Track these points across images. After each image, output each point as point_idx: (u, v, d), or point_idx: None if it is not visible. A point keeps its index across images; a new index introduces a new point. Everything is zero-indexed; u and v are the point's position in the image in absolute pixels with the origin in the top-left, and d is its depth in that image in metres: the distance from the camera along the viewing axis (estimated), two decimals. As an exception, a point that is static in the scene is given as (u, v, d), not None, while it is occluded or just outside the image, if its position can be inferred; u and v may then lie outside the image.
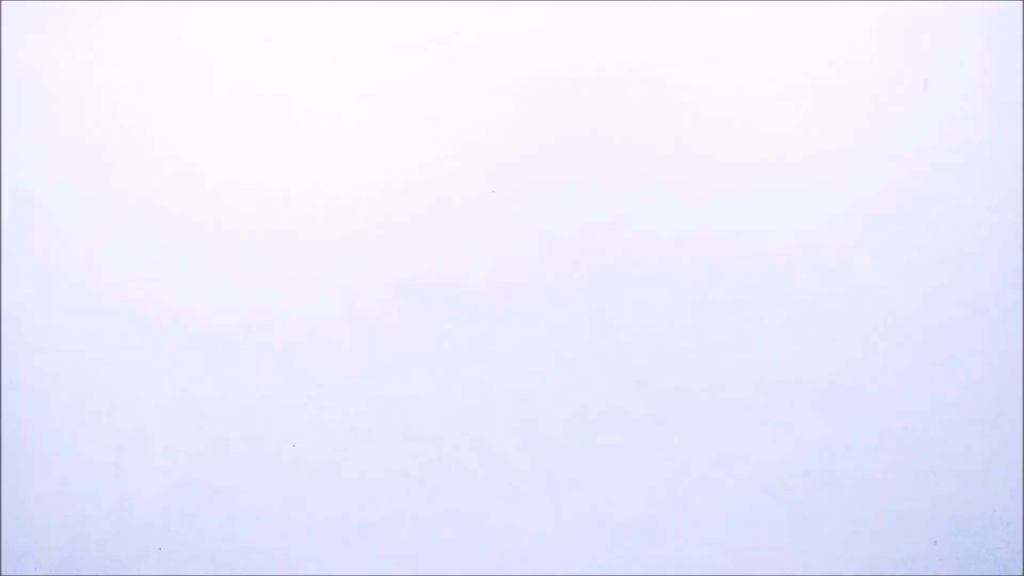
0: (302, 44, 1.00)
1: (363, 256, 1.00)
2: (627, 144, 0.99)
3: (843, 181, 0.99)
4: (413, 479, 1.02)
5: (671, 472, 1.01)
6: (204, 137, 1.00)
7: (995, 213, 0.99)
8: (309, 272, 1.01)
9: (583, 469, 1.01)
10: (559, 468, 1.01)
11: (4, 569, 1.04)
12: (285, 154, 1.00)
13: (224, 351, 1.01)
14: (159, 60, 1.01)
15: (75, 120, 1.01)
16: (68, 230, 1.01)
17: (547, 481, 1.01)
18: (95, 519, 1.04)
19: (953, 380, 0.99)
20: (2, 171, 1.01)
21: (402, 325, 1.01)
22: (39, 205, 1.02)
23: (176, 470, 1.03)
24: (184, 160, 1.01)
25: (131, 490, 1.03)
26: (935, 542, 1.01)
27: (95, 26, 1.01)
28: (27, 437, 1.03)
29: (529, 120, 0.99)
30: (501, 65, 0.99)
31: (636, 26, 0.99)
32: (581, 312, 1.00)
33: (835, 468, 1.01)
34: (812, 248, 0.99)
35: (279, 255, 1.00)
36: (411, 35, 1.00)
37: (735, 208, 0.99)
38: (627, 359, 1.00)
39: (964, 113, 0.98)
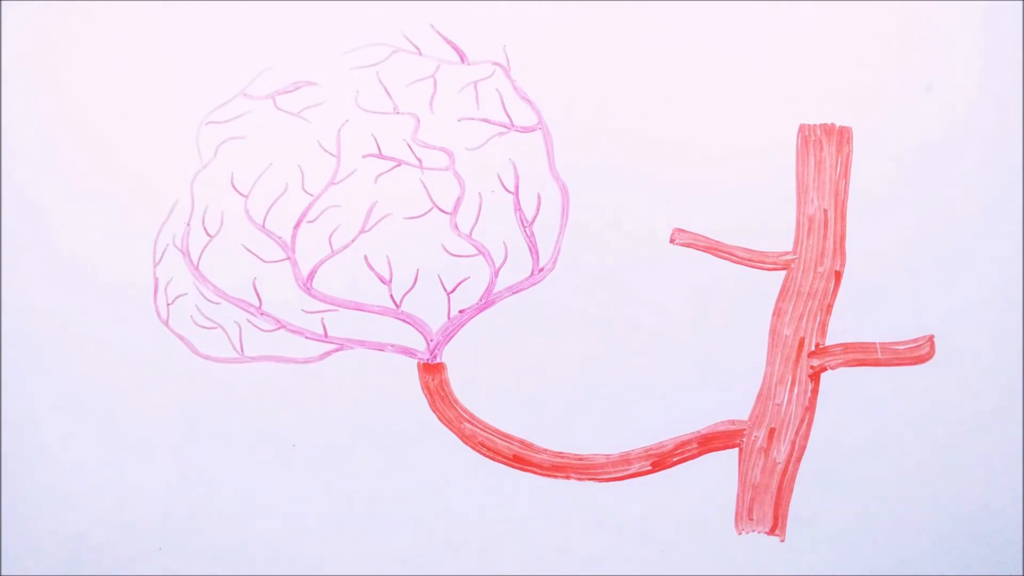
0: (308, 47, 1.00)
1: (362, 244, 1.00)
2: (623, 142, 0.99)
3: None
4: (414, 479, 1.02)
5: (670, 470, 1.01)
6: (206, 137, 1.00)
7: (995, 213, 0.99)
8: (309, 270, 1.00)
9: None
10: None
11: (4, 569, 1.04)
12: (286, 154, 1.00)
13: (225, 350, 1.01)
14: (161, 61, 1.01)
15: (76, 121, 1.01)
16: (69, 229, 1.01)
17: (547, 481, 1.02)
18: (95, 519, 1.03)
19: (953, 380, 0.99)
20: (2, 171, 1.01)
21: (400, 323, 1.01)
22: (40, 205, 1.01)
23: (176, 470, 1.02)
24: (186, 160, 1.00)
25: (131, 490, 1.03)
26: (935, 542, 1.01)
27: (95, 25, 1.01)
28: (27, 437, 1.03)
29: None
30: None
31: (632, 26, 0.98)
32: (581, 310, 1.00)
33: (835, 468, 1.01)
34: (812, 248, 0.99)
35: (279, 254, 1.00)
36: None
37: (733, 208, 0.99)
38: (627, 358, 1.00)
39: (963, 113, 0.98)
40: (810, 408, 1.00)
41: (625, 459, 1.01)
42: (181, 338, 1.01)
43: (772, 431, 1.00)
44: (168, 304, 1.01)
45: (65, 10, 1.00)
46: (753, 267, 0.99)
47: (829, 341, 1.00)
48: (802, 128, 0.98)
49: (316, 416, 1.02)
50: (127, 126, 1.00)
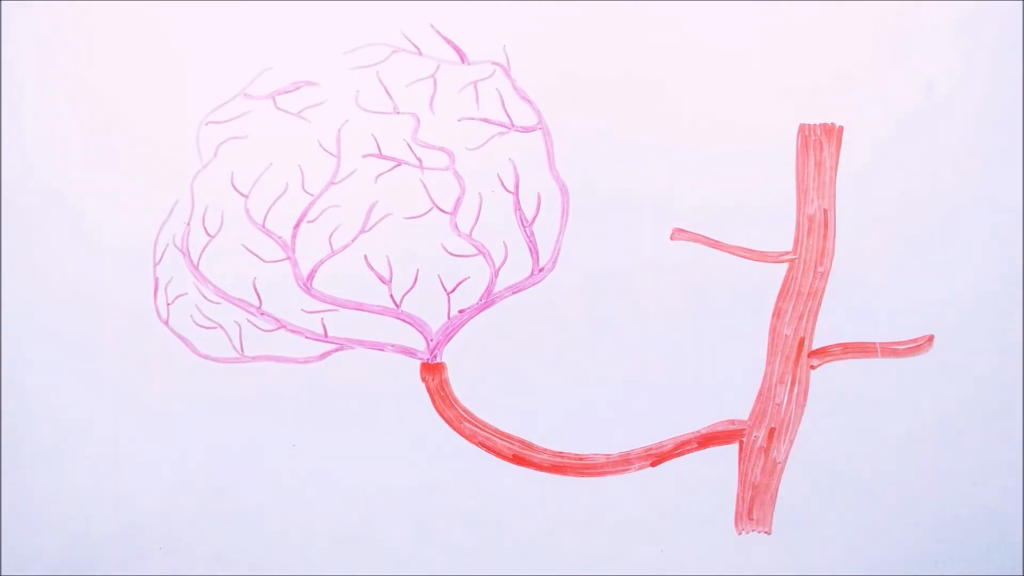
0: (308, 47, 1.00)
1: (362, 244, 1.00)
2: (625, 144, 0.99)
3: (843, 182, 0.99)
4: (414, 478, 1.02)
5: (670, 470, 1.01)
6: (206, 137, 1.00)
7: (995, 214, 0.99)
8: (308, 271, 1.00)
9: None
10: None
11: (4, 569, 1.04)
12: (284, 152, 1.00)
13: (225, 350, 1.01)
14: (162, 61, 1.01)
15: (76, 120, 1.01)
16: (69, 229, 1.01)
17: (547, 481, 1.02)
18: (95, 519, 1.04)
19: (953, 380, 0.99)
20: (2, 171, 1.01)
21: (400, 323, 1.01)
22: (40, 204, 1.01)
23: (176, 470, 1.02)
24: (186, 160, 1.00)
25: (131, 490, 1.03)
26: (936, 542, 1.01)
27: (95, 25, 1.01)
28: (27, 437, 1.03)
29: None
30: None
31: (632, 26, 0.98)
32: (581, 310, 1.00)
33: (834, 468, 1.01)
34: (812, 248, 0.99)
35: (279, 254, 1.00)
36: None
37: (732, 208, 0.99)
38: (627, 357, 1.00)
39: (963, 113, 0.98)
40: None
41: (625, 459, 1.01)
42: (181, 338, 1.01)
43: (772, 431, 1.00)
44: (168, 304, 1.01)
45: (64, 10, 1.00)
46: (754, 260, 0.99)
47: (827, 341, 1.00)
48: (802, 128, 0.98)
49: (316, 416, 1.02)
50: (127, 126, 1.00)
